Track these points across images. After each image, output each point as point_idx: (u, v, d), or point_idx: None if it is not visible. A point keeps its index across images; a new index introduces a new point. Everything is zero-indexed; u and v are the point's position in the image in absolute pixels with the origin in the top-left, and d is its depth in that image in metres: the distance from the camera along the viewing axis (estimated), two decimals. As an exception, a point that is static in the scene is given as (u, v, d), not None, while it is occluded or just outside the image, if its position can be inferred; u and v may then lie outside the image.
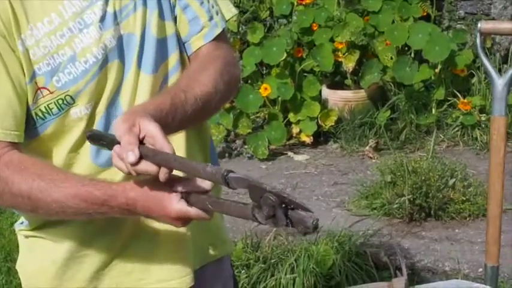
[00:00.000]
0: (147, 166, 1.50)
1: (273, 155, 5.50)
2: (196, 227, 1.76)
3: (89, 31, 1.68)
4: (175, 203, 1.54)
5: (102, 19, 1.70)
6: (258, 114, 5.77)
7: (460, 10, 6.19)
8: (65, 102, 1.68)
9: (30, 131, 1.71)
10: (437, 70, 5.64)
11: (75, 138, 1.71)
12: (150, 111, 1.57)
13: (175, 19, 1.78)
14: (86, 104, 1.69)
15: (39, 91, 1.67)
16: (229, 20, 1.87)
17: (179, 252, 1.81)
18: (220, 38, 1.80)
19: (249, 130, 5.60)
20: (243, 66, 5.78)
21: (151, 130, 1.51)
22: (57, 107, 1.68)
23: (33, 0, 1.66)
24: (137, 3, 1.73)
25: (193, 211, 1.54)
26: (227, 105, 5.39)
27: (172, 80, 1.76)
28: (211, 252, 1.93)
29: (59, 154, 1.73)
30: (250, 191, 1.44)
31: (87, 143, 1.70)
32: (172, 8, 1.77)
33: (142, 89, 1.73)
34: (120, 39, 1.71)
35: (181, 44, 1.79)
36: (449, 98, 5.67)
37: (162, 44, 1.74)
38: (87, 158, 1.73)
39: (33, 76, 1.66)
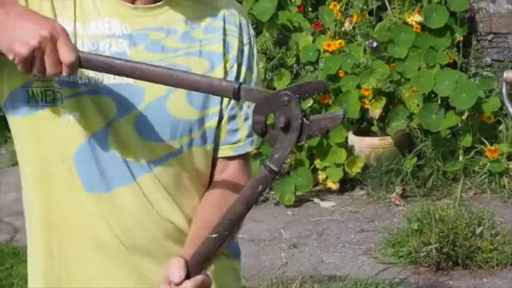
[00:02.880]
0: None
1: (299, 202, 5.54)
2: None
3: None
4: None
5: (116, 56, 1.70)
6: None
7: (487, 57, 6.24)
8: (57, 96, 1.71)
9: (21, 106, 1.74)
10: (464, 117, 5.69)
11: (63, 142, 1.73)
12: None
13: (202, 109, 1.77)
14: (71, 112, 1.71)
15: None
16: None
17: None
18: (247, 155, 1.84)
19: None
20: (269, 112, 5.85)
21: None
22: (52, 97, 1.71)
23: (72, 4, 1.72)
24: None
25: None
26: (254, 151, 5.45)
27: (170, 162, 1.76)
28: None
29: (52, 166, 1.75)
30: (258, 106, 1.46)
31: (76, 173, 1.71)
32: (207, 99, 1.77)
33: (135, 149, 1.74)
34: (125, 85, 1.72)
35: (197, 134, 1.78)
36: (476, 145, 5.70)
37: (173, 123, 1.75)
38: (80, 188, 1.74)
39: None
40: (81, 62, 1.54)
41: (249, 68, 1.82)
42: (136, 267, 1.77)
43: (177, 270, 1.54)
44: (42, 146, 1.74)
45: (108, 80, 1.71)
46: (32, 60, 1.53)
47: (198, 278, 1.55)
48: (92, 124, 1.72)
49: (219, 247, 1.53)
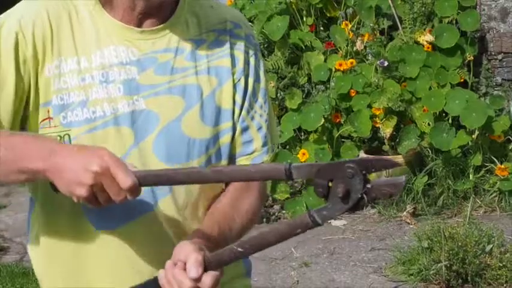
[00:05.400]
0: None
1: (311, 220, 5.62)
2: None
3: (107, 86, 1.74)
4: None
5: (126, 83, 1.75)
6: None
7: (497, 76, 6.34)
8: (64, 140, 1.73)
9: None
10: (474, 136, 5.79)
11: None
12: (205, 241, 1.68)
13: (215, 125, 1.82)
14: None
15: (48, 120, 1.74)
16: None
17: None
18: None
19: (287, 195, 5.76)
20: (281, 131, 5.96)
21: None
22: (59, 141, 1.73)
23: (71, 38, 1.75)
24: (174, 89, 1.78)
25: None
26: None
27: None
28: None
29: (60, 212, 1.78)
30: (321, 171, 1.49)
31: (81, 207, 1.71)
32: (219, 115, 1.82)
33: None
34: (138, 112, 1.75)
35: (213, 151, 1.82)
36: (486, 164, 5.80)
37: (189, 143, 1.78)
38: (89, 228, 1.77)
39: (48, 103, 1.73)
40: (139, 181, 1.58)
41: (257, 79, 1.87)
42: None
43: (195, 269, 1.58)
44: (51, 193, 1.74)
45: (123, 107, 1.75)
46: (95, 195, 1.58)
47: (216, 273, 1.60)
48: None
49: (238, 259, 1.64)
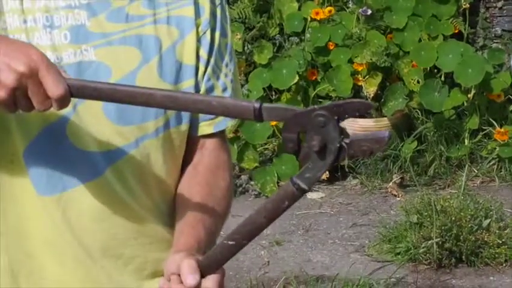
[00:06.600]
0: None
1: (283, 193, 5.63)
2: None
3: (52, 32, 1.72)
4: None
5: (73, 29, 1.73)
6: (266, 146, 5.92)
7: (497, 27, 6.36)
8: None
9: None
10: (470, 95, 5.79)
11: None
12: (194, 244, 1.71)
13: (176, 83, 1.80)
14: None
15: None
16: None
17: None
18: (225, 130, 1.90)
19: (256, 164, 5.75)
20: (248, 90, 5.93)
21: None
22: None
23: None
24: (128, 39, 1.76)
25: None
26: (231, 135, 5.58)
27: (144, 145, 1.78)
28: None
29: None
30: (288, 124, 1.49)
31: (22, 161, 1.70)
32: (179, 72, 1.81)
33: (103, 137, 1.75)
34: (87, 63, 1.73)
35: (172, 112, 1.81)
36: (484, 127, 5.82)
37: None
38: (31, 192, 1.74)
39: None
40: (72, 91, 1.52)
41: (223, 33, 1.86)
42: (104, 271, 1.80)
43: (191, 276, 1.59)
44: None
45: (69, 57, 1.73)
46: (15, 99, 1.51)
47: (216, 276, 1.60)
48: (45, 114, 1.67)
49: (234, 254, 1.61)
